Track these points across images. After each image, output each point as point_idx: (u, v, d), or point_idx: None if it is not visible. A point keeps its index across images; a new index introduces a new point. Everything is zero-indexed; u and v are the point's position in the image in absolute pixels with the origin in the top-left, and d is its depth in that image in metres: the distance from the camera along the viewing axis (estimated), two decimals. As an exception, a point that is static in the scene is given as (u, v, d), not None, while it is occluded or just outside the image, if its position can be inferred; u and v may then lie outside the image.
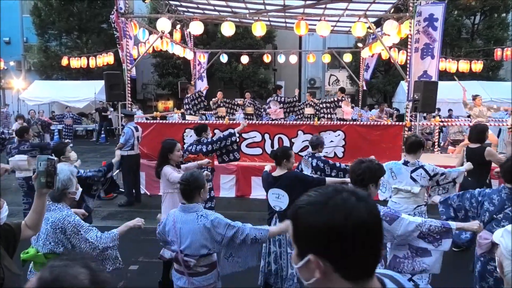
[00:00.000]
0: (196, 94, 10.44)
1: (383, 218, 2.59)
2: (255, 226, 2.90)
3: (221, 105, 11.67)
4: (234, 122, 9.46)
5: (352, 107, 11.23)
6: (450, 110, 15.22)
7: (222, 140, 6.01)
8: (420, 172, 3.96)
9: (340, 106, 10.68)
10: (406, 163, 4.05)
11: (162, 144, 4.62)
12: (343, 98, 10.93)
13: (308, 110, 10.99)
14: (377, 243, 0.95)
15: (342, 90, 11.38)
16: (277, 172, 3.97)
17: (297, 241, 0.98)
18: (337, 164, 5.31)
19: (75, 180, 2.85)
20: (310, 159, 5.44)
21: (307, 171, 5.39)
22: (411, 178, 3.99)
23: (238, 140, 6.24)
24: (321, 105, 11.11)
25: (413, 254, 2.80)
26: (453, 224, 2.74)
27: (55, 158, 2.36)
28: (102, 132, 18.11)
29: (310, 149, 5.59)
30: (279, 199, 3.84)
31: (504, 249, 1.71)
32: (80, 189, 3.08)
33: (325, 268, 0.93)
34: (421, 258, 2.78)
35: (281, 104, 10.70)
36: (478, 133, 5.22)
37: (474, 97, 9.48)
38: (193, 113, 10.57)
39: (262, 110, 11.72)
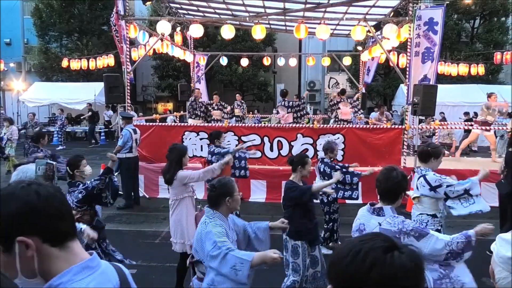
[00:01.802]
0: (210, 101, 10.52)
1: (411, 234, 2.51)
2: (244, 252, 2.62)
3: (216, 108, 11.67)
4: (230, 125, 9.49)
5: (353, 108, 11.23)
6: (442, 113, 15.16)
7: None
8: (421, 181, 3.86)
9: (339, 108, 10.75)
10: (417, 170, 4.04)
11: (175, 147, 4.42)
12: (342, 100, 11.00)
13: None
14: (59, 206, 1.13)
15: (342, 92, 11.42)
16: (291, 177, 4.14)
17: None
18: (343, 166, 5.36)
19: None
20: (319, 164, 5.49)
21: (317, 176, 5.44)
22: (416, 185, 3.94)
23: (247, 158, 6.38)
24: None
25: (446, 271, 2.68)
26: (472, 233, 2.57)
27: (54, 163, 2.36)
28: (102, 134, 18.15)
29: (322, 154, 5.66)
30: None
31: (495, 256, 1.72)
32: None
33: (35, 243, 1.07)
34: (453, 273, 2.67)
35: (289, 109, 10.72)
36: None
37: (490, 95, 9.52)
38: (198, 118, 10.61)
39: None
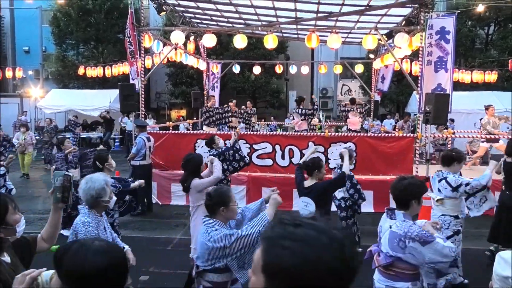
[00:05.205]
0: (224, 108, 10.80)
1: (416, 239, 2.58)
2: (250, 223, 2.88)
3: (233, 115, 11.79)
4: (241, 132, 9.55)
5: (363, 117, 11.16)
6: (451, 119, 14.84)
7: (231, 151, 6.23)
8: (443, 183, 4.18)
9: (348, 117, 10.72)
10: (437, 173, 4.35)
11: (193, 157, 4.81)
12: (352, 109, 10.96)
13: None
14: None
15: (352, 101, 11.40)
16: (308, 182, 4.27)
17: None
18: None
19: (109, 189, 2.95)
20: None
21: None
22: (438, 188, 4.25)
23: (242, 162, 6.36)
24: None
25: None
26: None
27: (71, 174, 2.46)
28: (117, 140, 18.41)
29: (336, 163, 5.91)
30: (307, 207, 4.09)
31: (494, 273, 1.76)
32: (115, 198, 3.16)
33: None
34: None
35: (303, 116, 10.80)
36: None
37: (487, 107, 9.38)
38: (213, 124, 10.77)
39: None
